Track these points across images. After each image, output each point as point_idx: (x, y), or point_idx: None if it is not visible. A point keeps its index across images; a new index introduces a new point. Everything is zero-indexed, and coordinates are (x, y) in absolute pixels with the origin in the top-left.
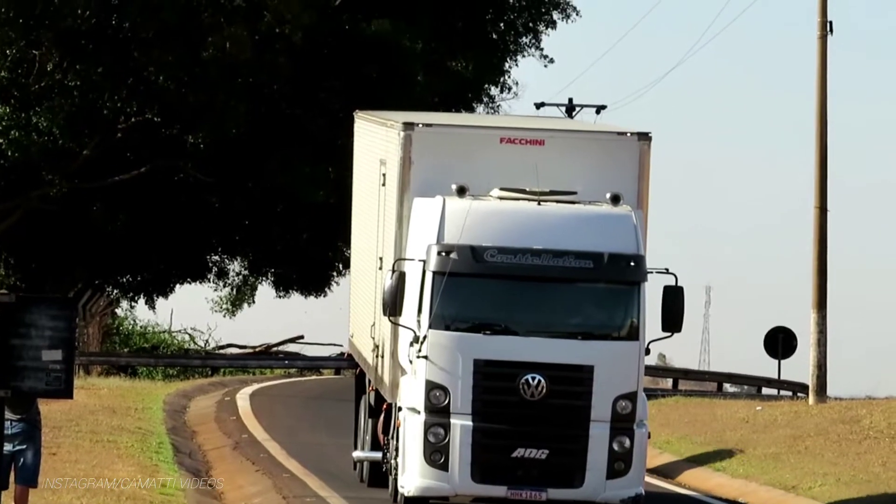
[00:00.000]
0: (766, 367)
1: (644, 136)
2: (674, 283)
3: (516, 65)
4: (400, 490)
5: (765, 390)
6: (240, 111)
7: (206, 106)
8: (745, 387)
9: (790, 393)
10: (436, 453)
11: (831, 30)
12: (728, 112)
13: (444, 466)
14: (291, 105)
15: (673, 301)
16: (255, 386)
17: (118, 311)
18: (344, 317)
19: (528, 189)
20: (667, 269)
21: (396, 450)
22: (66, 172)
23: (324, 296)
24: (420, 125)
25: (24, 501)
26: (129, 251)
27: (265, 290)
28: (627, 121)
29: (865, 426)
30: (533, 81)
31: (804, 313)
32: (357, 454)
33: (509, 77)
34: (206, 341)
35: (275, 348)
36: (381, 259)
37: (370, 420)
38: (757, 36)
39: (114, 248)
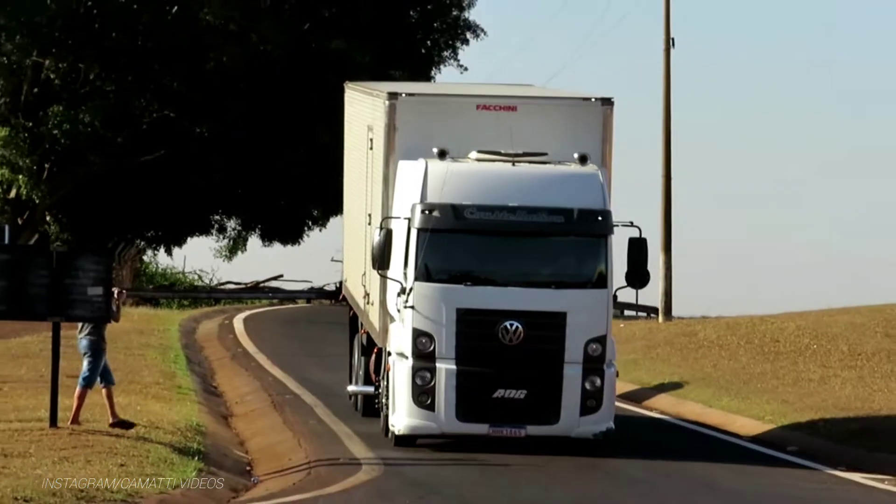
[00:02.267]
0: (627, 294)
1: (607, 101)
2: (638, 235)
3: (439, 72)
4: (391, 428)
5: (626, 312)
6: (236, 109)
7: (209, 105)
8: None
9: (645, 314)
10: (423, 395)
11: (674, 44)
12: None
13: (431, 407)
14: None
15: (637, 251)
16: (247, 312)
17: (145, 257)
18: (313, 260)
19: (503, 151)
20: (631, 223)
21: (386, 391)
22: (105, 155)
23: (298, 245)
24: (403, 94)
25: (81, 398)
26: (153, 213)
27: (254, 241)
28: None
29: (700, 338)
30: None
31: (655, 255)
32: (351, 388)
33: (434, 82)
34: (211, 279)
35: (261, 284)
36: (369, 216)
37: (363, 358)
38: (630, 48)
39: (141, 211)
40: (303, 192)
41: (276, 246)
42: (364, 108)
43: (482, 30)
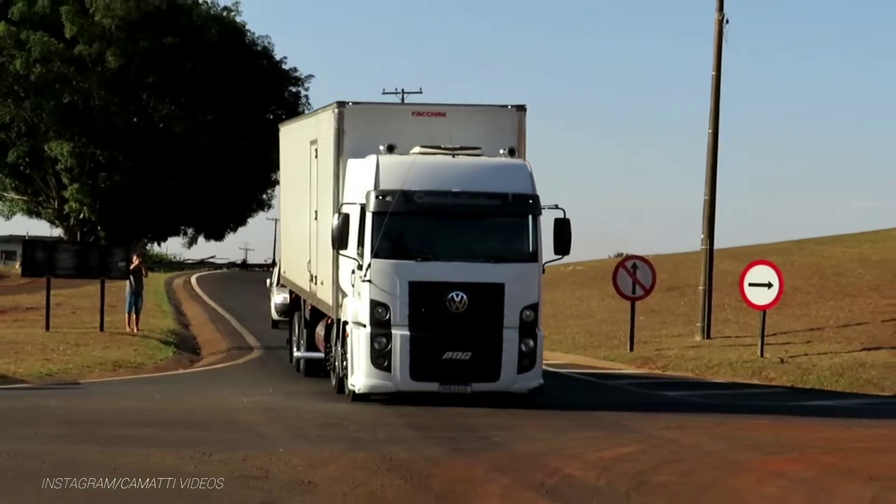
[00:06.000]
0: None
1: (521, 108)
2: (562, 216)
3: None
4: (350, 387)
5: None
6: (190, 170)
7: (179, 169)
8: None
9: None
10: (380, 358)
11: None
12: None
13: (388, 368)
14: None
15: (562, 230)
16: (198, 274)
17: (147, 247)
18: (229, 248)
19: (442, 146)
20: (556, 205)
21: (343, 355)
22: (127, 197)
23: (221, 240)
24: (350, 103)
25: (129, 317)
26: (149, 225)
27: (201, 239)
28: None
29: None
30: None
31: None
32: (298, 354)
33: None
34: (179, 258)
35: (204, 260)
36: (316, 212)
37: (305, 330)
38: None
39: (142, 224)
40: (224, 214)
41: (212, 241)
42: (307, 129)
43: None
